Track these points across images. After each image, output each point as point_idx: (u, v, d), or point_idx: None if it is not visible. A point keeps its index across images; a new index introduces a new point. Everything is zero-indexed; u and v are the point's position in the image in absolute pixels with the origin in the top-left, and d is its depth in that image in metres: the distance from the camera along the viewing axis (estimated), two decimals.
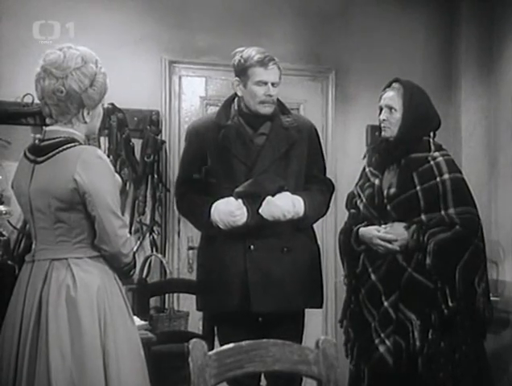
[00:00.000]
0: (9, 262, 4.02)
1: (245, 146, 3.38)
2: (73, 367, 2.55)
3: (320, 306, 3.56)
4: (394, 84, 3.41)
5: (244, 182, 3.33)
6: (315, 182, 3.49)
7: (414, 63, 5.21)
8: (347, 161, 5.05)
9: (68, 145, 2.65)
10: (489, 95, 5.27)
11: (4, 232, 4.33)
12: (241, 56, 3.39)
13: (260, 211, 3.29)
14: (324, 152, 3.77)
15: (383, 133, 3.41)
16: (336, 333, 5.08)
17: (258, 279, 3.31)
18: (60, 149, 2.65)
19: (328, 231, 4.96)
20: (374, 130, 5.21)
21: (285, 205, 3.30)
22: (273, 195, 3.31)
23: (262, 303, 3.30)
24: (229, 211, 3.29)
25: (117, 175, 2.85)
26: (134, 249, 4.69)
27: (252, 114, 3.39)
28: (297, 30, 5.13)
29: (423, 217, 3.27)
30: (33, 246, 2.76)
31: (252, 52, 3.38)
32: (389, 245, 3.29)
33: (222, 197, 3.34)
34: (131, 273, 2.79)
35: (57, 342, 2.56)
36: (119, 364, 2.60)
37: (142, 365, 2.70)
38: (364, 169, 3.55)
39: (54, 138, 2.68)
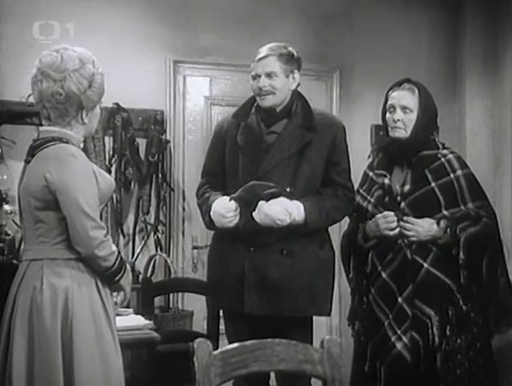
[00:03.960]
0: (14, 261, 4.03)
1: (256, 145, 3.35)
2: (35, 372, 2.52)
3: (327, 315, 3.44)
4: (406, 84, 3.37)
5: (243, 186, 3.29)
6: (329, 186, 3.35)
7: (418, 63, 5.21)
8: (351, 160, 5.03)
9: (49, 144, 2.61)
10: (493, 94, 5.27)
11: (9, 232, 4.34)
12: None
13: (254, 216, 3.25)
14: None
15: (393, 134, 3.35)
16: (340, 332, 5.09)
17: (254, 281, 3.25)
18: (41, 148, 2.62)
19: (332, 234, 4.93)
20: (379, 130, 5.20)
21: (275, 213, 3.20)
22: (267, 201, 3.23)
23: (256, 305, 3.25)
24: (220, 213, 3.27)
25: (107, 176, 2.79)
26: (138, 249, 4.78)
27: (265, 111, 3.37)
28: (301, 29, 5.13)
29: (445, 213, 3.26)
30: (22, 247, 2.75)
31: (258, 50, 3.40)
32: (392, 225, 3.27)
33: (231, 194, 3.33)
34: (116, 278, 2.67)
35: (21, 345, 2.54)
36: (84, 369, 2.54)
37: (115, 371, 2.62)
38: (366, 174, 3.52)
39: (43, 138, 2.65)
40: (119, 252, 2.70)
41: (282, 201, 3.24)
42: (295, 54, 3.39)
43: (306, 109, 3.40)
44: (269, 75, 3.32)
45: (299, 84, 3.41)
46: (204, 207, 3.40)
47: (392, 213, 3.28)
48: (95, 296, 2.63)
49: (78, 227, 2.56)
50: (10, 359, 2.55)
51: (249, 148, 3.35)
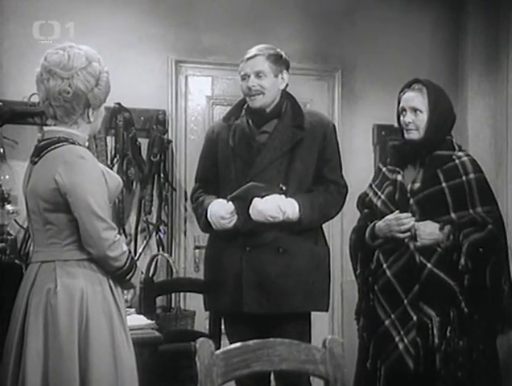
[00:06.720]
0: (16, 261, 4.03)
1: (248, 145, 3.38)
2: (50, 375, 2.51)
3: (326, 310, 3.49)
4: (415, 85, 3.34)
5: (240, 186, 3.31)
6: (322, 183, 3.40)
7: (420, 62, 5.21)
8: (353, 160, 5.04)
9: (56, 145, 2.60)
10: (495, 94, 5.26)
11: (11, 232, 4.34)
12: None
13: (249, 213, 3.26)
14: None
15: (408, 136, 3.33)
16: (342, 332, 5.09)
17: (252, 280, 3.28)
18: (49, 149, 2.61)
19: (334, 231, 4.95)
20: (381, 129, 5.23)
21: (268, 210, 3.23)
22: (262, 198, 3.26)
23: (254, 304, 3.28)
24: (219, 214, 3.30)
25: (114, 175, 2.79)
26: (140, 249, 4.78)
27: (255, 112, 3.39)
28: (303, 29, 5.13)
29: (453, 216, 3.25)
30: (31, 248, 2.74)
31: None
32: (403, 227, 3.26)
33: (225, 196, 3.35)
34: (127, 277, 2.68)
35: (36, 349, 2.53)
36: (100, 370, 2.55)
37: (129, 370, 2.63)
38: (379, 169, 3.51)
39: (49, 138, 2.64)
40: (130, 251, 2.72)
41: (276, 199, 3.26)
42: (283, 55, 3.42)
43: (296, 109, 3.43)
44: (258, 74, 3.34)
45: (287, 85, 3.44)
46: (200, 211, 3.43)
47: (404, 215, 3.27)
48: (108, 295, 2.64)
49: (89, 229, 2.56)
50: (23, 363, 2.54)
51: (242, 149, 3.37)
